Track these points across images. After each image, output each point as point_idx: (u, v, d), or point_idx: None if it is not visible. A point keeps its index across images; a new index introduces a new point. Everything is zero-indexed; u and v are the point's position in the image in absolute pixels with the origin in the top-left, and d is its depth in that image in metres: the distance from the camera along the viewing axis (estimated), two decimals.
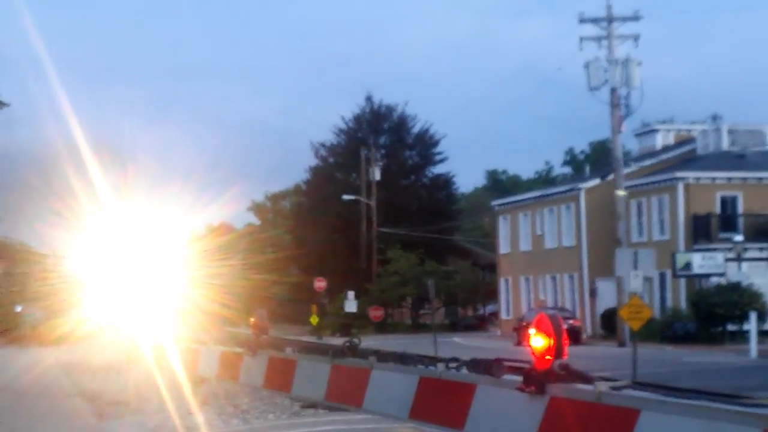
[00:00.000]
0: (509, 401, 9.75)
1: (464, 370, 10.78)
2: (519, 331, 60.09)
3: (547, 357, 9.43)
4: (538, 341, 9.50)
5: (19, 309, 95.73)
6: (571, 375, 9.38)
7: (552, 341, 9.41)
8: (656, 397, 9.04)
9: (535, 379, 9.53)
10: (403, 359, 12.06)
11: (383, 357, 12.32)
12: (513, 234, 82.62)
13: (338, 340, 24.20)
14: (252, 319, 19.05)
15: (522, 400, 9.69)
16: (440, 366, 11.31)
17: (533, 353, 9.57)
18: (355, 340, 13.94)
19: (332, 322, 79.96)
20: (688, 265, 61.81)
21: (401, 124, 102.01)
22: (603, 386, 9.06)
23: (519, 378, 9.76)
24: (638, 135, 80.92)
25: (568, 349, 10.04)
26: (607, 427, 8.96)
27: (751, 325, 47.52)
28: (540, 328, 9.58)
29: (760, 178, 66.52)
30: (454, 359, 11.60)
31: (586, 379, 9.28)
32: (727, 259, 60.23)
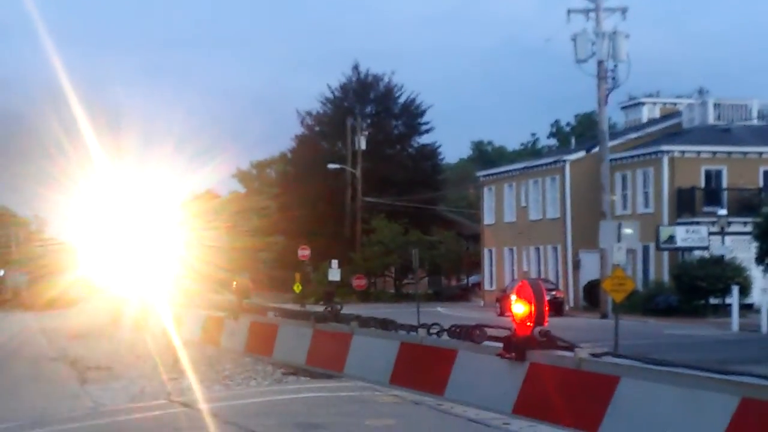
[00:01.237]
0: (490, 367, 9.75)
1: (445, 336, 10.79)
2: (502, 301, 60.19)
3: (528, 324, 9.42)
4: (519, 308, 9.49)
5: (1, 273, 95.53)
6: (552, 342, 9.38)
7: (533, 308, 9.41)
8: (637, 365, 9.06)
9: (515, 346, 9.52)
10: (384, 325, 12.06)
11: (364, 323, 12.33)
12: (497, 205, 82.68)
13: (321, 308, 24.22)
14: (234, 284, 19.03)
15: (502, 366, 9.69)
16: (421, 332, 11.30)
17: (514, 320, 9.55)
18: (337, 306, 13.92)
19: (316, 290, 79.94)
20: (671, 239, 61.99)
21: (387, 94, 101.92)
22: (583, 353, 9.06)
23: (499, 344, 9.76)
24: (624, 108, 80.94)
25: (550, 320, 10.03)
26: (587, 393, 8.97)
27: (734, 299, 47.72)
28: (521, 295, 9.57)
29: (745, 153, 66.64)
30: (436, 324, 11.62)
31: (567, 346, 9.28)
32: (711, 233, 60.41)
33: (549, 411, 9.27)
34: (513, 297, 9.67)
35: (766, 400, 7.67)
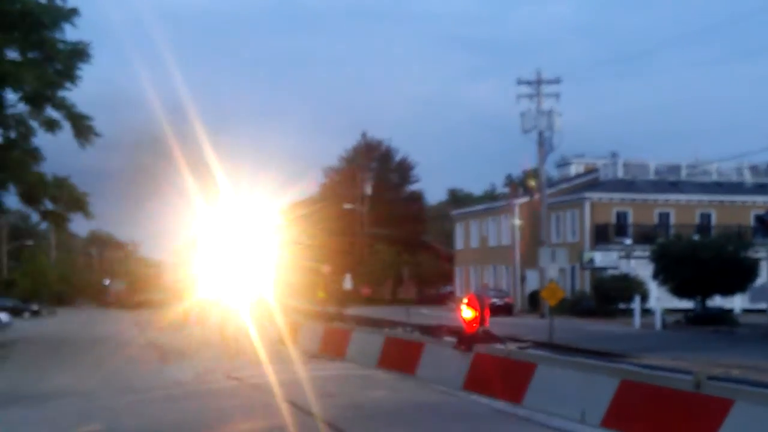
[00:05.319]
0: (447, 355, 9.91)
1: (416, 333, 10.98)
2: None
3: (474, 325, 9.59)
4: (467, 313, 9.68)
5: (106, 282, 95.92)
6: (490, 338, 9.58)
7: (477, 314, 9.60)
8: (548, 355, 9.27)
9: (464, 340, 9.69)
10: (374, 324, 12.30)
11: (361, 322, 12.55)
12: (466, 235, 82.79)
13: (334, 309, 24.39)
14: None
15: (456, 355, 9.86)
16: (399, 329, 11.51)
17: (464, 322, 9.72)
18: (342, 310, 14.14)
19: (334, 296, 79.82)
20: (591, 261, 62.08)
21: (387, 154, 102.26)
22: (512, 346, 9.26)
23: (454, 339, 9.93)
24: (558, 166, 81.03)
25: (503, 320, 10.16)
26: (514, 374, 9.17)
27: (636, 305, 47.70)
28: (469, 304, 9.78)
29: (645, 199, 66.84)
30: (410, 325, 11.85)
31: (500, 340, 9.49)
32: (620, 257, 60.50)
33: (487, 386, 9.47)
34: (463, 306, 9.85)
35: (637, 381, 7.87)
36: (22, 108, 38.35)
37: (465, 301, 9.97)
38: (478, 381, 9.76)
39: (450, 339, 10.06)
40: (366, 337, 11.71)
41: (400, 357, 10.95)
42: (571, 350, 26.56)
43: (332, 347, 12.34)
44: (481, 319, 9.76)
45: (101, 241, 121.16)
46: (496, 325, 8.60)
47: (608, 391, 8.18)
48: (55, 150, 39.52)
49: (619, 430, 8.39)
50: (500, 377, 9.46)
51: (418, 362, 10.64)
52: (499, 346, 9.45)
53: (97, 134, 38.62)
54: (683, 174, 70.35)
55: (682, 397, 7.48)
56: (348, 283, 76.82)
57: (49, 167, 39.26)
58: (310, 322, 13.70)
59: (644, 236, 63.24)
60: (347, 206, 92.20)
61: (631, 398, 8.00)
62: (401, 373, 11.35)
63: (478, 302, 9.94)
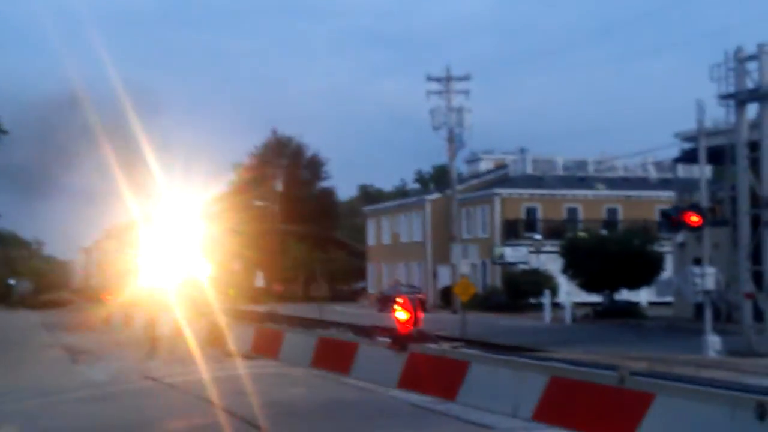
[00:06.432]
0: (382, 355, 10.27)
1: (350, 333, 11.36)
2: (380, 301, 60.69)
3: (408, 326, 10.02)
4: (401, 315, 10.08)
5: (11, 282, 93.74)
6: (424, 338, 10.03)
7: (411, 315, 10.04)
8: (481, 353, 9.77)
9: (399, 341, 10.10)
10: (305, 324, 12.65)
11: (292, 322, 12.86)
12: (378, 232, 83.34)
13: (251, 307, 24.39)
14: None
15: (390, 355, 10.25)
16: (333, 329, 11.90)
17: (398, 323, 10.12)
18: (273, 310, 14.41)
19: (245, 294, 79.54)
20: (502, 256, 63.10)
21: (298, 151, 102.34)
22: (446, 345, 9.73)
23: (388, 339, 10.31)
24: (468, 162, 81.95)
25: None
26: (448, 372, 9.61)
27: (546, 299, 48.74)
28: (403, 306, 10.21)
29: (554, 195, 68.20)
30: (343, 325, 12.26)
31: (434, 340, 9.94)
32: (530, 252, 61.62)
33: (422, 385, 9.91)
34: (397, 307, 10.27)
35: (566, 377, 8.41)
36: None
37: (399, 302, 10.42)
38: (412, 379, 10.20)
39: (384, 339, 10.48)
40: (299, 337, 12.04)
41: (334, 357, 11.32)
42: (483, 345, 27.23)
43: (265, 347, 12.62)
44: (414, 321, 10.21)
45: (4, 240, 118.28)
46: None
47: (538, 387, 8.70)
48: None
49: (549, 423, 8.94)
50: (435, 375, 9.91)
51: (352, 362, 11.02)
52: (432, 345, 9.90)
53: (3, 131, 37.98)
54: (590, 170, 71.96)
55: (607, 392, 8.04)
56: (260, 281, 76.65)
57: None
58: (241, 322, 13.89)
59: (553, 231, 64.56)
60: (258, 203, 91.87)
61: (560, 393, 8.52)
62: (336, 373, 11.72)
63: (411, 304, 10.40)
